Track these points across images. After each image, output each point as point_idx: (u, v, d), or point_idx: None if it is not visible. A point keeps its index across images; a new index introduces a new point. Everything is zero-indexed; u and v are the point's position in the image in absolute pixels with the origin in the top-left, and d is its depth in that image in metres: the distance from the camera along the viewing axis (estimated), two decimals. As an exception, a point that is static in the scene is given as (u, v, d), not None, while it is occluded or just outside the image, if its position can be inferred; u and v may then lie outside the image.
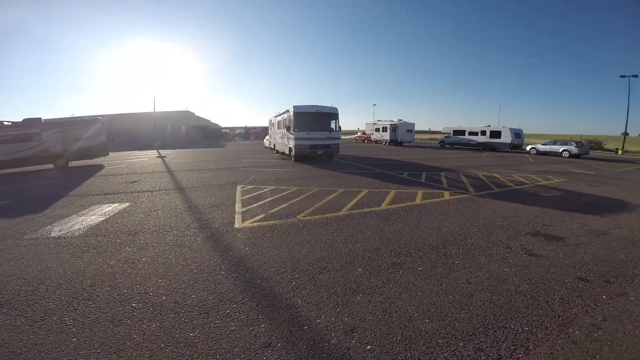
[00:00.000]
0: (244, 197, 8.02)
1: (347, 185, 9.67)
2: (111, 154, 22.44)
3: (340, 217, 6.38)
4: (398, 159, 18.70)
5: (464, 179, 11.10)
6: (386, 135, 38.13)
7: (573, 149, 23.33)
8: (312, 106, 16.29)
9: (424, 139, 62.18)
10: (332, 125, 16.97)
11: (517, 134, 28.74)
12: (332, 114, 16.89)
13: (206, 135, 57.99)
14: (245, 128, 73.34)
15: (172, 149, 30.69)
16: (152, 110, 33.47)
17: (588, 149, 25.53)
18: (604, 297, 3.39)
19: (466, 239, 5.18)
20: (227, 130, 78.51)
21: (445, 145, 35.25)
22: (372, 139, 42.24)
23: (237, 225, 5.72)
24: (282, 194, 8.41)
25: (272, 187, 9.25)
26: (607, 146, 41.47)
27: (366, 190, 8.93)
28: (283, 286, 3.51)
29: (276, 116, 21.18)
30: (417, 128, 39.63)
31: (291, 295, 3.32)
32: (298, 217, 6.29)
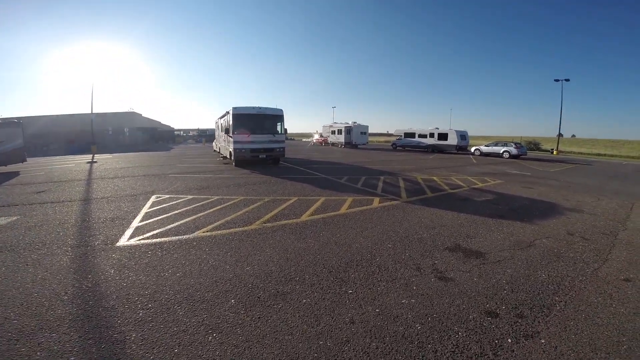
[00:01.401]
0: (152, 209, 6.96)
1: (278, 193, 8.65)
2: (39, 160, 19.90)
3: (248, 232, 5.46)
4: (345, 163, 18.05)
5: (401, 183, 10.54)
6: (341, 138, 37.81)
7: (513, 150, 24.34)
8: (253, 107, 15.19)
9: (381, 142, 63.23)
10: (277, 127, 15.92)
11: (463, 135, 29.63)
12: (276, 116, 15.88)
13: (154, 137, 54.36)
14: (198, 130, 69.57)
15: (112, 153, 27.76)
16: (90, 112, 30.48)
17: (526, 150, 26.89)
18: (509, 340, 2.63)
19: (375, 257, 4.38)
20: (180, 133, 74.20)
21: (398, 148, 35.61)
22: (329, 141, 41.76)
23: (120, 242, 4.92)
24: (198, 204, 7.33)
25: (191, 197, 8.12)
26: (544, 147, 44.70)
27: (294, 199, 7.97)
28: (126, 317, 2.95)
29: (220, 118, 19.69)
30: (377, 130, 39.94)
31: (128, 328, 2.78)
32: (197, 232, 5.38)
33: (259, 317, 2.95)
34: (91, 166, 16.35)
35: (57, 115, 44.49)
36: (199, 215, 6.45)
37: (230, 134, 14.80)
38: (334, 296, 3.38)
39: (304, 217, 6.39)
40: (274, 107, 16.01)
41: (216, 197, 8.08)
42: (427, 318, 2.94)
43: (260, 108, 15.27)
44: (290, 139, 76.78)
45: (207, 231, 5.44)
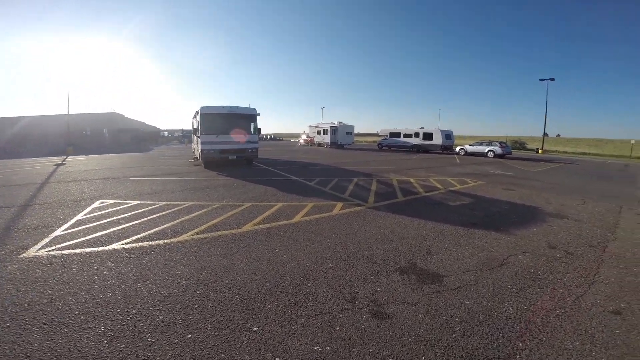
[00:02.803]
0: (86, 216, 6.22)
1: (233, 198, 7.75)
2: (8, 162, 18.68)
3: (172, 245, 4.69)
4: (324, 163, 17.14)
5: (373, 186, 9.66)
6: (327, 138, 36.93)
7: (497, 149, 23.83)
8: (223, 107, 14.34)
9: (369, 142, 62.59)
10: (250, 127, 15.00)
11: (448, 135, 29.05)
12: (249, 116, 15.02)
13: (136, 138, 53.04)
14: (182, 131, 67.87)
15: (89, 154, 26.43)
16: (69, 113, 29.19)
17: (511, 149, 26.43)
18: None
19: (307, 281, 3.51)
20: (165, 133, 72.51)
21: (383, 148, 34.89)
22: (315, 142, 40.88)
23: (26, 253, 4.31)
24: (138, 211, 6.53)
25: (137, 202, 7.28)
26: (529, 146, 44.67)
27: (248, 205, 7.05)
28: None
29: (193, 118, 18.66)
30: (366, 130, 39.15)
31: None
32: (116, 244, 4.66)
33: (121, 351, 2.41)
34: (56, 169, 15.25)
35: (34, 117, 42.97)
36: (131, 224, 5.66)
37: (198, 134, 14.03)
38: (230, 333, 2.60)
39: (247, 227, 5.47)
40: (249, 106, 15.29)
41: (163, 203, 7.23)
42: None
43: (231, 107, 14.50)
44: (279, 139, 75.83)
45: (128, 243, 4.71)
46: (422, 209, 6.95)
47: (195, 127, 15.37)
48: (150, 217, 6.06)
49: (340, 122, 36.78)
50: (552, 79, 37.20)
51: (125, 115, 56.18)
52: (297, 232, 5.25)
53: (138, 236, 4.96)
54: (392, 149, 34.00)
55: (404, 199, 7.95)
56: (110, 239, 4.84)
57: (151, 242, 4.73)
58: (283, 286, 3.48)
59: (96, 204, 7.11)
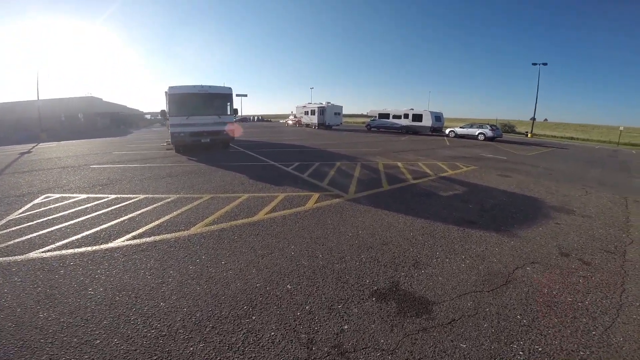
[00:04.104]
0: (21, 215, 5.27)
1: (194, 189, 6.81)
2: None
3: (101, 252, 3.83)
4: (307, 145, 16.02)
5: (357, 172, 8.70)
6: (314, 119, 35.56)
7: (488, 132, 23.10)
8: (194, 86, 13.01)
9: (358, 123, 61.20)
10: (225, 108, 13.72)
11: (438, 117, 28.09)
12: (223, 95, 13.72)
13: (115, 122, 50.74)
14: (162, 112, 64.89)
15: (63, 140, 24.67)
16: (44, 98, 27.28)
17: (502, 133, 25.74)
18: None
19: (252, 311, 2.71)
20: (148, 116, 69.20)
21: (372, 129, 33.78)
22: (303, 122, 39.45)
23: None
24: (82, 207, 5.62)
25: (85, 196, 6.32)
26: (518, 130, 44.28)
27: (207, 197, 6.06)
28: None
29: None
30: (355, 112, 37.83)
31: None
32: (37, 251, 3.84)
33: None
34: (18, 158, 13.83)
35: (6, 103, 40.24)
36: (65, 224, 4.76)
37: (167, 116, 12.81)
38: None
39: (196, 229, 4.49)
40: (225, 85, 13.99)
41: (112, 197, 6.25)
42: None
43: (202, 87, 13.17)
44: (268, 121, 73.68)
45: (50, 250, 3.88)
46: (410, 201, 6.05)
47: (164, 108, 14.02)
48: (90, 216, 5.10)
49: (328, 103, 35.33)
50: (545, 64, 36.31)
51: (104, 99, 53.25)
52: (256, 236, 4.29)
53: (64, 241, 4.11)
54: (380, 130, 32.94)
55: (389, 187, 7.03)
56: (32, 246, 4.01)
57: (75, 250, 3.87)
58: (218, 318, 2.56)
59: (39, 199, 6.16)
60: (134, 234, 4.34)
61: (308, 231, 4.46)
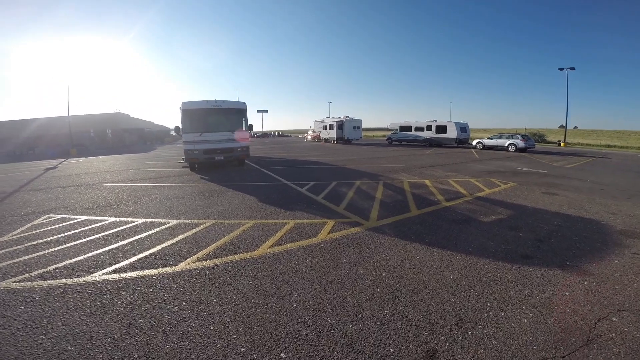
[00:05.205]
0: (17, 236, 5.09)
1: (198, 213, 6.26)
2: (7, 166, 17.99)
3: (73, 287, 3.37)
4: (325, 162, 15.24)
5: (378, 193, 7.73)
6: (333, 134, 34.97)
7: (519, 142, 21.50)
8: (207, 101, 12.72)
9: (379, 136, 60.20)
10: (239, 124, 13.29)
11: (463, 128, 26.64)
12: (237, 110, 13.32)
13: (142, 138, 52.76)
14: (176, 128, 66.76)
15: (90, 156, 25.61)
16: (75, 114, 28.82)
17: (534, 142, 23.93)
18: None
19: None
20: (174, 132, 71.71)
21: (393, 142, 32.66)
22: (321, 137, 38.98)
23: None
24: (79, 230, 5.34)
25: (85, 218, 6.12)
26: (549, 138, 41.70)
27: (209, 224, 5.48)
28: None
29: None
30: (375, 125, 37.07)
31: None
32: (9, 281, 3.52)
33: None
34: (42, 174, 14.15)
35: (44, 118, 42.80)
36: (54, 249, 4.44)
37: (180, 133, 12.47)
38: None
39: (185, 264, 3.82)
40: (239, 100, 13.60)
41: (112, 220, 5.90)
42: None
43: (216, 102, 12.84)
44: (287, 136, 74.26)
45: (22, 280, 3.51)
46: (445, 230, 5.02)
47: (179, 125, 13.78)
48: (80, 242, 4.78)
49: (346, 116, 34.67)
50: (573, 69, 34.21)
51: (131, 115, 55.51)
52: (252, 278, 3.46)
53: (41, 271, 3.74)
54: (402, 143, 31.77)
55: (418, 212, 6.02)
56: (7, 273, 3.70)
57: (47, 282, 3.46)
58: None
59: (40, 220, 6.01)
60: (115, 266, 3.80)
61: (317, 273, 3.56)
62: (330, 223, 5.31)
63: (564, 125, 36.64)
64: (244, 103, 13.43)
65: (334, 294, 3.12)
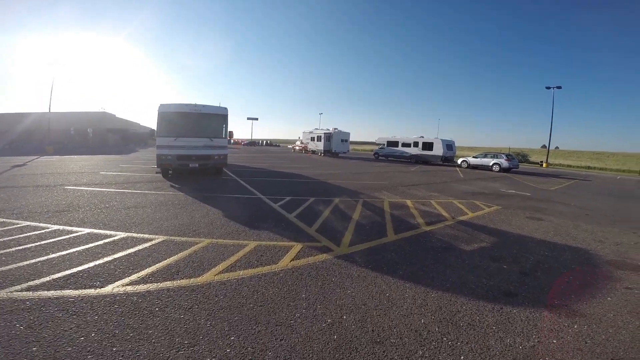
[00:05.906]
0: None
1: (152, 226, 5.59)
2: None
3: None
4: (307, 175, 14.74)
5: (356, 213, 7.23)
6: (320, 145, 34.56)
7: (504, 162, 21.59)
8: (187, 104, 12.03)
9: (367, 151, 60.34)
10: (219, 130, 12.60)
11: (449, 145, 26.73)
12: (217, 116, 12.62)
13: (125, 139, 51.30)
14: (151, 132, 65.57)
15: (69, 154, 24.35)
16: (57, 111, 27.56)
17: (518, 163, 24.11)
18: None
19: None
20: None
21: (380, 157, 32.53)
22: (309, 148, 38.54)
23: None
24: (12, 237, 4.81)
25: (27, 224, 5.49)
26: (532, 159, 42.51)
27: (160, 240, 4.91)
28: None
29: None
30: (364, 139, 36.93)
31: None
32: None
33: None
34: (8, 170, 13.18)
35: (28, 113, 40.69)
36: None
37: (155, 137, 11.61)
38: None
39: (111, 288, 3.30)
40: (220, 105, 13.05)
41: (54, 228, 5.35)
42: None
43: (196, 106, 12.15)
44: (276, 145, 73.79)
45: None
46: (422, 259, 4.53)
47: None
48: (9, 250, 4.22)
49: (335, 129, 34.47)
50: (559, 87, 35.26)
51: (117, 115, 54.07)
52: (186, 311, 2.92)
53: None
54: (389, 159, 31.68)
55: (395, 238, 5.53)
56: None
57: None
58: None
59: None
60: (31, 283, 3.30)
61: (266, 311, 2.99)
62: (296, 247, 4.75)
63: (547, 145, 37.41)
64: (225, 108, 12.84)
65: (281, 341, 2.57)
